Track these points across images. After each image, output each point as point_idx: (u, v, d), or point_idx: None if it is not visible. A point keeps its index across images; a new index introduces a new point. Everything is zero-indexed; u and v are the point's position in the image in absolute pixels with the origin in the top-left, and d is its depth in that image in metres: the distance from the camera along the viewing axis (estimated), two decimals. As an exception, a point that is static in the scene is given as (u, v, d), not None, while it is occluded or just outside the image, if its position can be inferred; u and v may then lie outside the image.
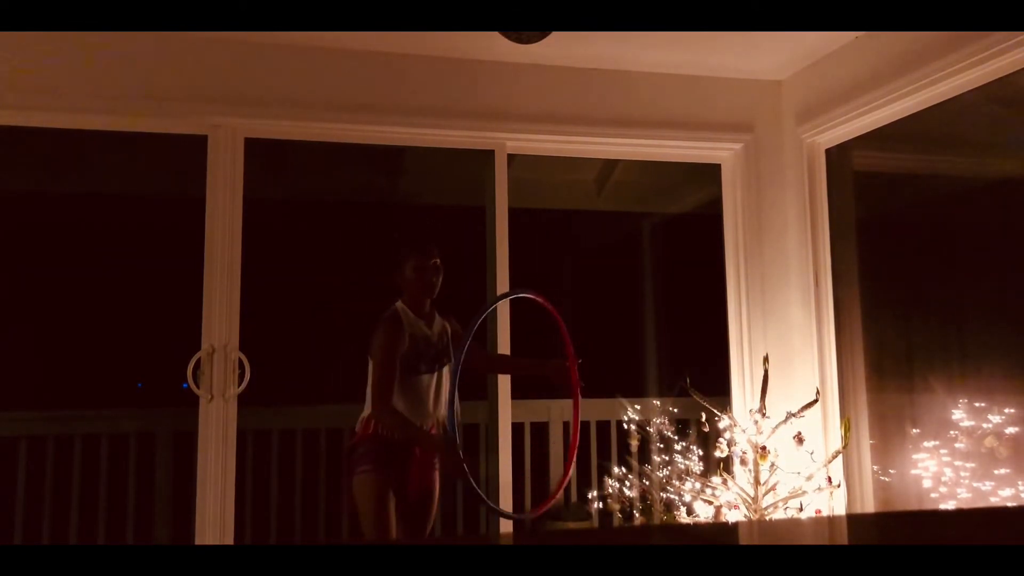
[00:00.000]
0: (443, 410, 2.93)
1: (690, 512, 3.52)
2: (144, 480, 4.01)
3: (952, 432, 3.16)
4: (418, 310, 2.96)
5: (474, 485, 2.75)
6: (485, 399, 3.68)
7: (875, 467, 3.58)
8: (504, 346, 3.63)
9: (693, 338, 4.90)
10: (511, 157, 3.75)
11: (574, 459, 3.11)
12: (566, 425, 4.54)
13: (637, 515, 3.87)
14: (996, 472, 2.98)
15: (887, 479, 3.51)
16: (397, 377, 2.84)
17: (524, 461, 4.38)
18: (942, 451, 3.19)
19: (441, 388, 2.93)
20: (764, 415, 3.43)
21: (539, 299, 3.00)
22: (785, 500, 3.36)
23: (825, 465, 3.40)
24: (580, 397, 2.97)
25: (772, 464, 3.38)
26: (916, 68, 3.19)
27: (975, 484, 3.05)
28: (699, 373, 3.71)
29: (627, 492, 3.90)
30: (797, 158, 3.88)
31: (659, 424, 3.88)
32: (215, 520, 3.26)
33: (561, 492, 3.27)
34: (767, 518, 3.36)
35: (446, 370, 2.96)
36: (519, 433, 4.19)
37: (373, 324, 2.92)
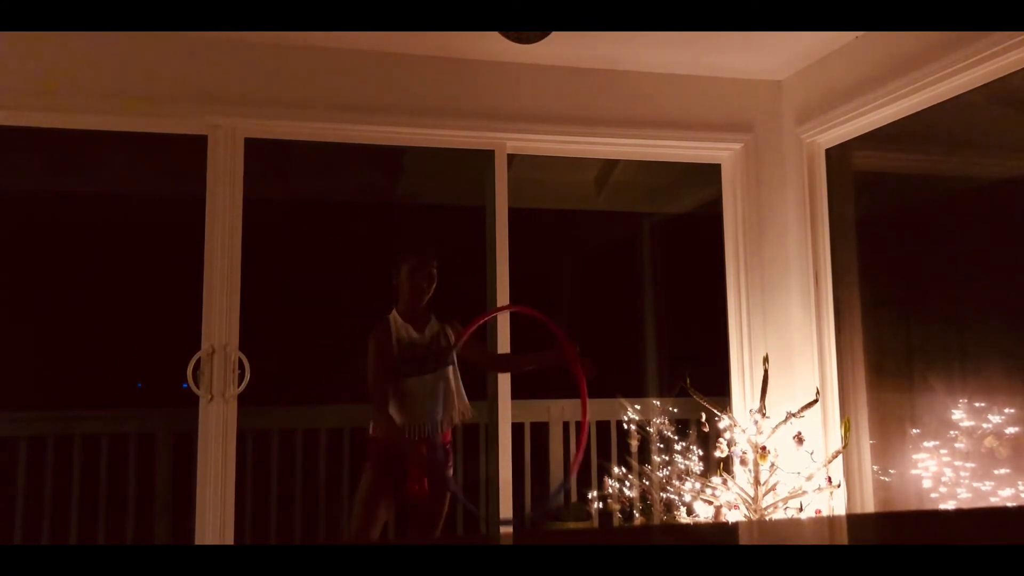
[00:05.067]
0: (440, 413, 2.98)
1: (690, 512, 3.52)
2: (144, 480, 4.01)
3: (952, 432, 3.16)
4: (409, 315, 3.08)
5: (462, 499, 3.03)
6: (485, 399, 3.68)
7: (875, 467, 3.58)
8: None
9: (693, 338, 4.91)
10: (511, 157, 3.75)
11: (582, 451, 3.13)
12: (566, 425, 4.55)
13: (637, 515, 3.87)
14: (996, 472, 2.98)
15: (887, 479, 3.51)
16: (390, 382, 2.98)
17: (524, 461, 4.38)
18: (942, 451, 3.19)
19: (438, 391, 2.98)
20: (764, 415, 3.43)
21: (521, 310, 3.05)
22: (785, 500, 3.36)
23: (825, 465, 3.40)
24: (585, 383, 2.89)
25: (772, 464, 3.38)
26: (916, 68, 3.19)
27: (975, 484, 3.05)
28: (699, 373, 3.71)
29: (627, 492, 3.90)
30: (797, 158, 3.88)
31: (659, 424, 3.88)
32: (215, 520, 3.26)
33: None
34: (767, 518, 3.36)
35: (449, 372, 3.02)
36: (519, 433, 4.20)
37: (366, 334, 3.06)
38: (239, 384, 3.32)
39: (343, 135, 3.60)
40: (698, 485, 3.54)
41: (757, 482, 3.38)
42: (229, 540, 3.27)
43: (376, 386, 3.00)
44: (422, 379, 3.01)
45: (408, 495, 2.92)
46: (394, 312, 3.09)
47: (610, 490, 3.90)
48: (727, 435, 3.48)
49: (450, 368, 3.06)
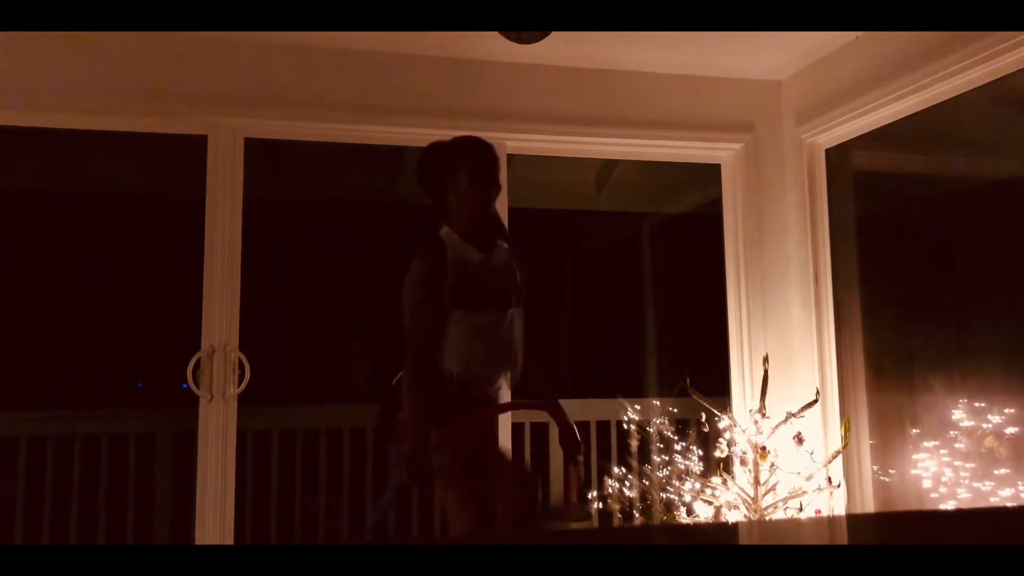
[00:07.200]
0: (508, 368, 2.26)
1: (690, 512, 3.51)
2: (144, 480, 4.00)
3: (952, 432, 3.16)
4: (469, 235, 2.27)
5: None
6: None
7: (875, 467, 3.58)
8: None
9: (693, 338, 4.90)
10: (511, 157, 3.75)
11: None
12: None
13: (637, 515, 3.87)
14: (996, 472, 2.98)
15: (887, 479, 3.51)
16: (443, 322, 2.15)
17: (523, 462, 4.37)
18: (942, 451, 3.19)
19: (513, 338, 2.23)
20: (764, 415, 3.43)
21: None
22: (785, 500, 3.36)
23: (825, 465, 3.39)
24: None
25: (772, 464, 3.38)
26: (916, 68, 3.19)
27: (975, 484, 3.05)
28: (699, 373, 3.71)
29: (627, 492, 3.90)
30: (797, 158, 3.88)
31: (659, 424, 3.87)
32: (215, 520, 3.26)
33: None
34: (767, 518, 3.36)
35: (516, 315, 2.27)
36: (519, 433, 4.19)
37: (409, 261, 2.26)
38: (239, 384, 3.32)
39: (343, 135, 3.60)
40: (698, 485, 3.54)
41: (757, 482, 3.38)
42: (229, 540, 3.27)
43: (423, 330, 2.12)
44: (500, 317, 2.21)
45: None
46: (446, 229, 2.28)
47: (610, 490, 3.90)
48: (727, 435, 3.48)
49: (520, 313, 2.30)
